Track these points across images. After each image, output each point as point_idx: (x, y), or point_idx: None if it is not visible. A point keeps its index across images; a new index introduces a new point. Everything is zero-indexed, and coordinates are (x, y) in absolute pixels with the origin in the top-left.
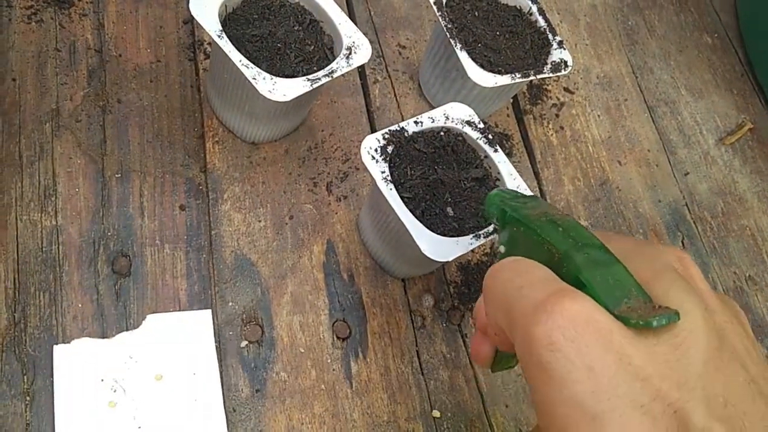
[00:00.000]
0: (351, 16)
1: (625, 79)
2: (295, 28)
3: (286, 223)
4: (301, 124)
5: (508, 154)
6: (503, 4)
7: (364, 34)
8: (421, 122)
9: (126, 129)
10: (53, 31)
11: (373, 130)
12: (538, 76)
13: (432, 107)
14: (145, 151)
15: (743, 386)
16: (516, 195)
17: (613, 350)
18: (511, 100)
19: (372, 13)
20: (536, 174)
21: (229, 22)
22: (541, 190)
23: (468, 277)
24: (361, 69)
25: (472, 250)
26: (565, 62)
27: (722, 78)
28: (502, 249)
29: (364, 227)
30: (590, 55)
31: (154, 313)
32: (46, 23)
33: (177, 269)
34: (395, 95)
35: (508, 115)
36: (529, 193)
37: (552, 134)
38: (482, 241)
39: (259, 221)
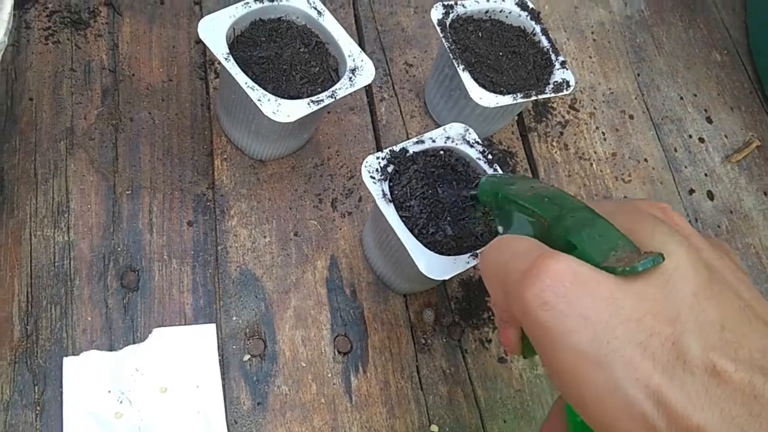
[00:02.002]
0: (359, 34)
1: (632, 96)
2: (301, 50)
3: (291, 239)
4: (308, 141)
5: (513, 172)
6: (507, 24)
7: (372, 52)
8: (422, 142)
9: (137, 147)
10: (69, 51)
11: (379, 148)
12: (540, 97)
13: (437, 125)
14: (156, 168)
15: (738, 311)
16: (505, 177)
17: (602, 297)
18: (516, 118)
19: (380, 31)
20: None
21: (237, 44)
22: None
23: (469, 293)
24: (368, 87)
25: (475, 267)
26: (568, 82)
27: (730, 95)
28: (500, 230)
29: (366, 243)
30: (597, 72)
31: (160, 326)
32: (62, 44)
33: (183, 284)
34: (401, 113)
35: (512, 133)
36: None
37: (556, 152)
38: (479, 260)
39: (265, 237)
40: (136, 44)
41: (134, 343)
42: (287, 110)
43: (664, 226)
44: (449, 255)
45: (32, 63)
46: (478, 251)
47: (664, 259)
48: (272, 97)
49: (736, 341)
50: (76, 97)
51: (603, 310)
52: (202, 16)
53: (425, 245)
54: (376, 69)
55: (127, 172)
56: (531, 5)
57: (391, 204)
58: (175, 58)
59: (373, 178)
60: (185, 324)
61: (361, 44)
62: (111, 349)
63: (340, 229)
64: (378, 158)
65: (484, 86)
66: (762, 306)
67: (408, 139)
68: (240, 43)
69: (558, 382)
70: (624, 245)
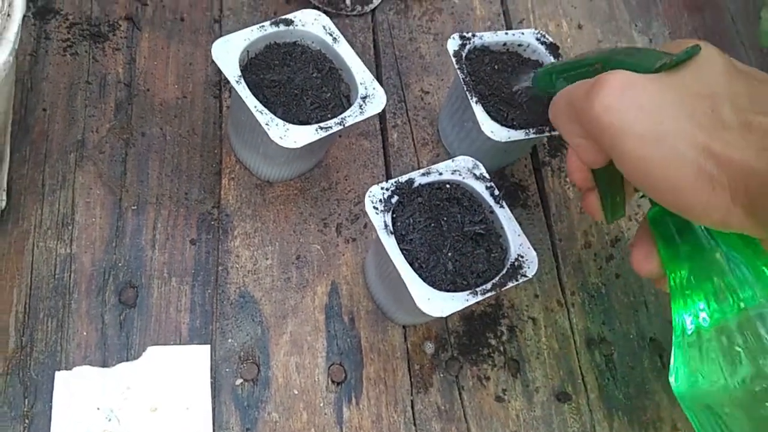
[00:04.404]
0: (377, 59)
1: None
2: (314, 74)
3: (293, 263)
4: (317, 165)
5: (523, 206)
6: (525, 57)
7: (388, 78)
8: (429, 173)
9: (147, 162)
10: (86, 64)
11: (389, 174)
12: (554, 133)
13: (449, 154)
14: (163, 185)
15: (760, 85)
16: (556, 62)
17: (652, 91)
18: (530, 151)
19: (398, 57)
20: (549, 227)
21: (250, 66)
22: (552, 243)
23: (470, 328)
24: (381, 113)
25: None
26: None
27: None
28: None
29: (368, 272)
30: None
31: (155, 345)
32: (80, 56)
33: (181, 303)
34: (413, 140)
35: (525, 166)
36: None
37: (569, 187)
38: (479, 298)
39: (267, 259)
40: (153, 59)
41: (128, 360)
42: (295, 136)
43: (696, 40)
44: (449, 291)
45: (48, 74)
46: (477, 289)
47: (699, 48)
48: (280, 122)
49: (762, 104)
50: (89, 110)
51: (653, 100)
52: (221, 35)
53: (425, 279)
54: (391, 95)
55: (135, 187)
56: (551, 39)
57: (393, 236)
58: (191, 75)
59: (376, 208)
60: (180, 344)
61: (378, 70)
62: (104, 365)
63: (343, 255)
64: (383, 189)
65: (497, 120)
66: None
67: (418, 166)
68: (253, 65)
69: (632, 172)
70: (666, 56)
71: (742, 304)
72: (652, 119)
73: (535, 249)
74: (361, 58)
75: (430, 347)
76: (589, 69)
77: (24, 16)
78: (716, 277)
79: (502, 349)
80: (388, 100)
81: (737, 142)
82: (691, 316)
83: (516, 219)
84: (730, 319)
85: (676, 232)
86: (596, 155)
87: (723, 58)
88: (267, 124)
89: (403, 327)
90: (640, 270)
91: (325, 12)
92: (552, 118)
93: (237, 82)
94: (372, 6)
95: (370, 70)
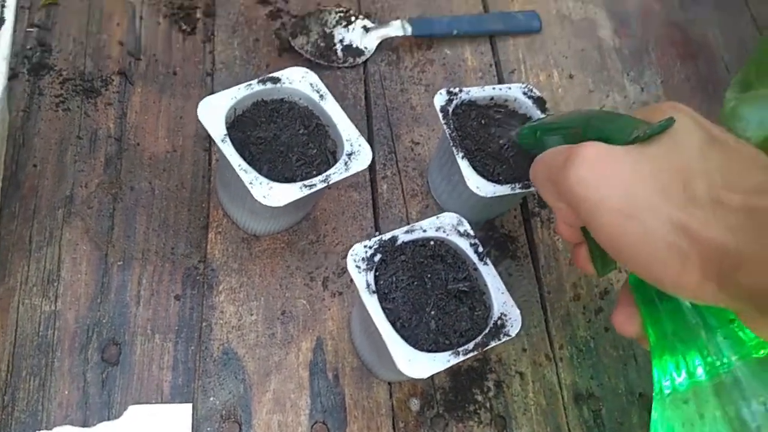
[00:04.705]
0: (368, 110)
1: None
2: (300, 131)
3: (278, 318)
4: (305, 217)
5: (512, 257)
6: (512, 110)
7: (379, 129)
8: (413, 231)
9: (134, 217)
10: (78, 119)
11: (377, 226)
12: None
13: (438, 205)
14: (150, 240)
15: (736, 160)
16: (539, 119)
17: (626, 164)
18: (520, 201)
19: (389, 108)
20: (538, 279)
21: (237, 123)
22: (541, 296)
23: (457, 384)
24: (371, 164)
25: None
26: None
27: None
28: None
29: (353, 327)
30: None
31: (136, 403)
32: (72, 111)
33: (164, 360)
34: (403, 192)
35: (515, 217)
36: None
37: (558, 238)
38: (461, 358)
39: (252, 314)
40: (145, 113)
41: (108, 419)
42: (278, 194)
43: (672, 108)
44: (431, 350)
45: (40, 129)
46: (460, 349)
47: (674, 120)
48: (264, 180)
49: (735, 179)
50: (79, 165)
51: (627, 174)
52: (213, 88)
53: (407, 338)
54: (381, 146)
55: (121, 242)
56: (537, 93)
57: (375, 295)
58: (182, 129)
59: (359, 267)
60: (162, 402)
61: (369, 121)
62: (85, 424)
63: (329, 310)
64: (365, 247)
65: (483, 174)
66: (755, 155)
67: (407, 218)
68: (240, 122)
69: (607, 243)
70: (642, 125)
71: (718, 369)
72: (625, 193)
73: (523, 301)
74: (352, 109)
75: (415, 404)
76: (568, 132)
77: (18, 72)
78: (694, 341)
79: (488, 405)
80: (378, 151)
81: (709, 218)
82: (669, 377)
83: (505, 271)
84: (706, 383)
85: (656, 295)
86: (576, 219)
87: (698, 130)
88: (251, 183)
89: (389, 383)
90: (623, 331)
91: (317, 64)
92: (532, 181)
93: (222, 140)
94: (364, 58)
95: (362, 122)
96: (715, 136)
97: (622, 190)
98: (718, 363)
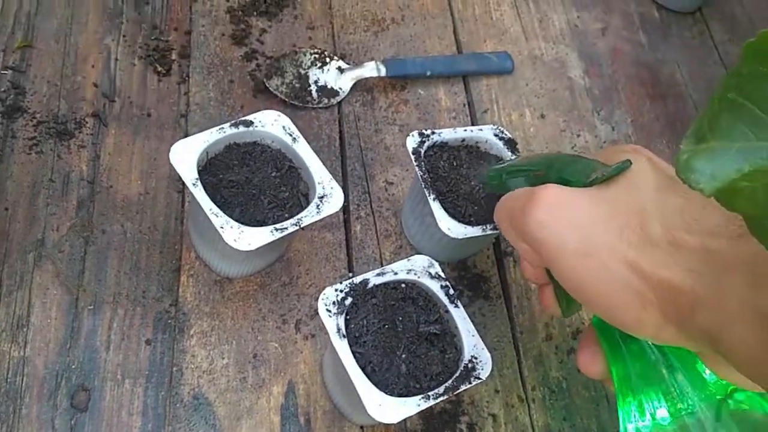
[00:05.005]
0: (342, 151)
1: None
2: (273, 174)
3: (250, 362)
4: (278, 259)
5: (485, 297)
6: (483, 152)
7: (353, 170)
8: (384, 273)
9: (105, 260)
10: (51, 161)
11: (351, 267)
12: None
13: (411, 246)
14: (121, 283)
15: (692, 201)
16: (501, 163)
17: (584, 207)
18: (493, 241)
19: (363, 148)
20: (511, 319)
21: (209, 166)
22: (514, 336)
23: (429, 426)
24: (345, 204)
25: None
26: None
27: None
28: None
29: (326, 370)
30: None
31: None
32: (45, 154)
33: (134, 406)
34: (376, 233)
35: (488, 257)
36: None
37: None
38: (431, 402)
39: (223, 358)
40: (118, 155)
41: None
42: (249, 238)
43: (631, 151)
44: (401, 395)
45: (13, 172)
46: (430, 393)
47: (631, 163)
48: (235, 224)
49: (692, 221)
50: (51, 208)
51: (585, 216)
52: (188, 129)
53: (377, 383)
54: (355, 186)
55: (92, 286)
56: (508, 135)
57: (345, 339)
58: (155, 171)
59: (329, 311)
60: None
61: (344, 161)
62: None
63: (302, 353)
64: (336, 291)
65: (454, 216)
66: (712, 198)
67: (381, 259)
68: (213, 165)
69: (568, 284)
70: (601, 167)
71: (681, 412)
72: (584, 235)
73: (496, 342)
74: (327, 149)
75: None
76: (531, 174)
77: None
78: (657, 383)
79: None
80: (352, 192)
81: (666, 260)
82: (633, 419)
83: (478, 311)
84: (669, 427)
85: (619, 336)
86: (540, 260)
87: (655, 172)
88: (222, 227)
89: (361, 427)
90: (587, 372)
91: (292, 105)
92: (497, 223)
93: (194, 185)
94: (339, 98)
95: (336, 162)
96: (672, 179)
97: (580, 232)
98: (682, 405)
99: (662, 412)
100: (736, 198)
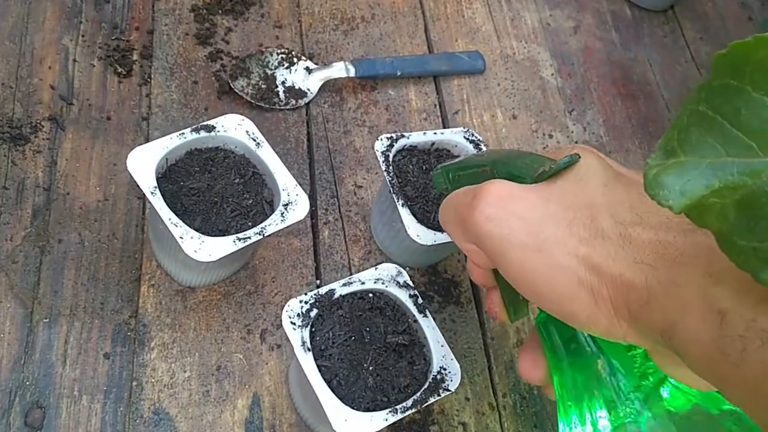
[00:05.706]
0: (310, 153)
1: None
2: (236, 180)
3: (213, 374)
4: (243, 266)
5: (456, 303)
6: (453, 155)
7: (321, 173)
8: (351, 283)
9: (62, 271)
10: (4, 168)
11: (318, 274)
12: None
13: (380, 251)
14: (78, 295)
15: (641, 195)
16: (448, 162)
17: (532, 201)
18: None
19: (332, 150)
20: (482, 324)
21: (169, 173)
22: (485, 342)
23: None
24: (313, 209)
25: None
26: None
27: None
28: None
29: (291, 382)
30: None
31: None
32: None
33: (91, 423)
34: (345, 238)
35: (458, 261)
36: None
37: None
38: (399, 416)
39: (185, 371)
40: (76, 161)
41: None
42: (210, 248)
43: (581, 149)
44: (368, 409)
45: None
46: (398, 407)
47: (578, 156)
48: (195, 234)
49: (642, 215)
50: (4, 217)
51: (534, 210)
52: (149, 133)
53: (344, 397)
54: (323, 190)
55: (48, 298)
56: (478, 137)
57: (310, 353)
58: (115, 177)
59: (294, 324)
60: None
61: (312, 164)
62: None
63: (267, 364)
64: (301, 302)
65: (423, 222)
66: None
67: (349, 264)
68: (173, 172)
69: (518, 280)
70: (549, 162)
71: (623, 419)
72: (533, 229)
73: (467, 348)
74: (294, 152)
75: None
76: (478, 171)
77: None
78: (597, 388)
79: None
80: (320, 196)
81: (616, 253)
82: (574, 427)
83: (449, 317)
84: None
85: (560, 339)
86: (487, 260)
87: (603, 168)
88: (181, 237)
89: None
90: (528, 377)
91: (258, 107)
92: (442, 224)
93: (152, 193)
94: (306, 99)
95: (303, 165)
96: (621, 174)
97: (529, 226)
98: (623, 412)
99: (603, 422)
100: (706, 215)
